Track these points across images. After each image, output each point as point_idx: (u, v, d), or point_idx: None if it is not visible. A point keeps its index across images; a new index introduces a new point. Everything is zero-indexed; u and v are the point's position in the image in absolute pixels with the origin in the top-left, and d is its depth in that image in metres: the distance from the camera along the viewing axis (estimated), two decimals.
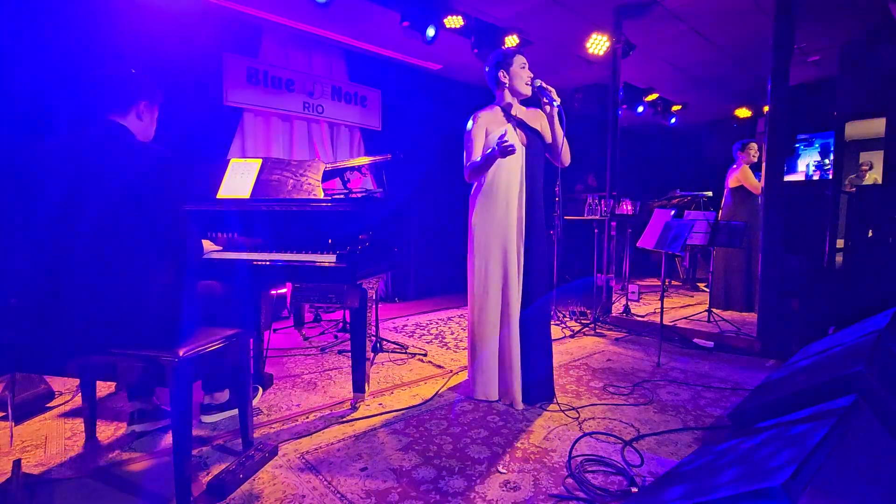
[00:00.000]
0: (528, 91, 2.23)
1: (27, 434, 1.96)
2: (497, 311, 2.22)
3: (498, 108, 2.27)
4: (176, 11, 3.44)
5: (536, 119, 2.30)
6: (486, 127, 2.23)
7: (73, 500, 1.51)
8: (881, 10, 3.59)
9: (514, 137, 2.20)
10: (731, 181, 4.31)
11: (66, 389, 2.40)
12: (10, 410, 1.88)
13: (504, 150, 1.94)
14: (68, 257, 1.44)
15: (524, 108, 2.32)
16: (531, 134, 2.26)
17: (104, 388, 2.39)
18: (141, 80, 1.61)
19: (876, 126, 4.44)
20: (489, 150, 2.06)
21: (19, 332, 1.46)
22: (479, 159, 2.14)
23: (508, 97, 2.26)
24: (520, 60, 2.23)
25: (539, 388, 2.26)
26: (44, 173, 1.46)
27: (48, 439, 1.92)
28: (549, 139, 2.29)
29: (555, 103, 2.14)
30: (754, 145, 4.27)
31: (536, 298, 2.23)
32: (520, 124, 2.25)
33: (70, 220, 1.45)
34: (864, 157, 4.85)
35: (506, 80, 2.23)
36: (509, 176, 2.18)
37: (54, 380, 2.33)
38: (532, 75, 2.24)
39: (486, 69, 2.30)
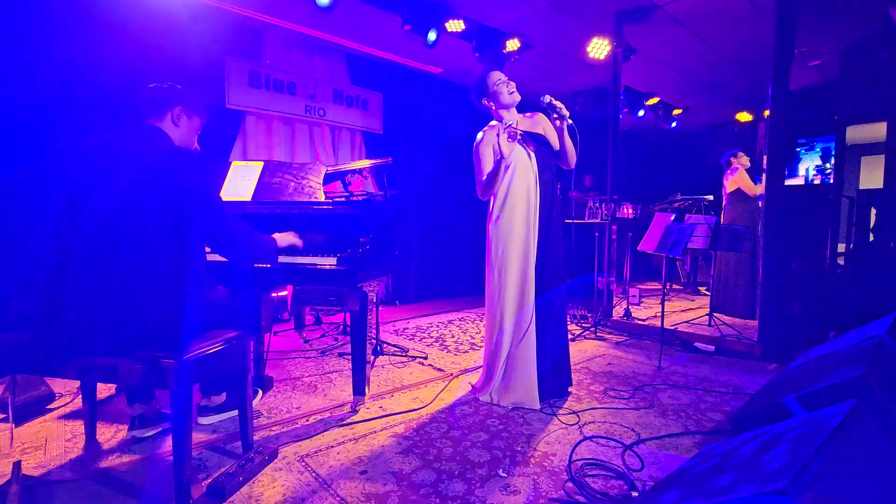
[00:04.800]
0: (513, 100, 2.29)
1: (27, 436, 1.96)
2: (511, 315, 2.23)
3: (501, 125, 2.31)
4: (178, 15, 3.46)
5: (539, 125, 2.36)
6: (493, 143, 2.28)
7: (72, 502, 1.51)
8: (882, 14, 3.60)
9: (522, 151, 2.26)
10: (728, 185, 4.33)
11: (66, 391, 2.40)
12: (10, 412, 1.88)
13: (513, 134, 2.04)
14: (71, 259, 1.44)
15: (522, 115, 2.38)
16: (537, 142, 2.31)
17: (104, 390, 2.39)
18: (175, 89, 1.67)
19: (877, 130, 4.44)
20: (496, 158, 2.14)
21: (20, 334, 1.47)
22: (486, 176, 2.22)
23: (504, 114, 2.32)
24: (494, 78, 2.28)
25: (554, 387, 2.32)
26: (51, 177, 1.47)
27: (48, 441, 1.92)
28: (556, 146, 2.35)
29: (565, 120, 2.20)
30: (742, 154, 4.34)
31: (553, 301, 2.25)
32: (525, 136, 2.29)
33: (74, 222, 1.45)
34: (864, 161, 4.85)
35: (491, 104, 2.32)
36: (523, 184, 2.24)
37: (55, 381, 2.34)
38: (513, 85, 2.29)
39: (474, 101, 2.39)
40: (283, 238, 1.94)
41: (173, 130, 1.64)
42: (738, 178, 4.22)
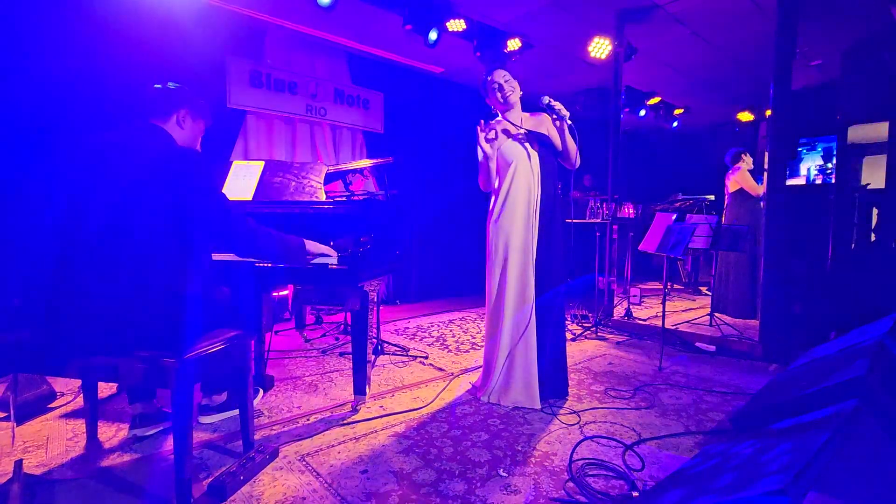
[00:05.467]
0: (509, 103, 2.31)
1: (29, 434, 1.97)
2: (511, 315, 2.24)
3: (505, 121, 2.34)
4: (180, 14, 3.46)
5: (542, 124, 2.35)
6: (492, 141, 2.31)
7: (74, 500, 1.51)
8: (884, 14, 3.59)
9: (523, 151, 2.27)
10: (731, 184, 4.32)
11: (67, 390, 2.41)
12: (12, 411, 1.89)
13: (489, 135, 2.20)
14: (73, 258, 1.45)
15: (528, 114, 2.38)
16: (540, 141, 2.30)
17: (106, 389, 2.39)
18: (182, 91, 1.67)
19: (879, 130, 4.43)
20: (480, 157, 2.26)
21: (22, 333, 1.47)
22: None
23: (508, 114, 2.34)
24: (493, 80, 2.30)
25: (553, 388, 2.32)
26: (52, 176, 1.47)
27: (50, 440, 1.92)
28: (559, 146, 2.35)
29: (564, 120, 2.21)
30: (747, 153, 4.34)
31: (553, 301, 2.25)
32: (528, 135, 2.30)
33: (76, 220, 1.45)
34: (866, 161, 4.84)
35: (495, 106, 2.36)
36: (524, 183, 2.25)
37: (56, 380, 2.34)
38: (511, 86, 2.30)
39: (484, 99, 2.43)
40: (314, 246, 1.90)
41: (177, 132, 1.65)
42: (740, 178, 4.21)
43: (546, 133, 2.33)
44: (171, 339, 1.44)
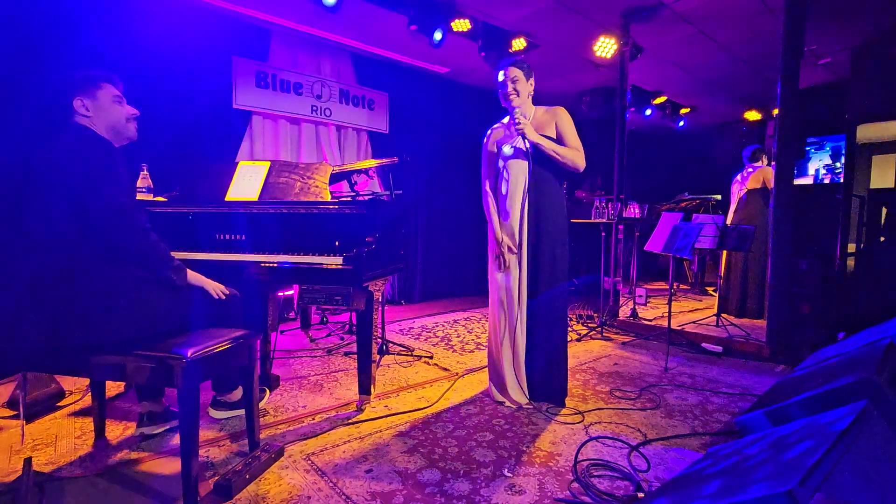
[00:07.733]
0: (510, 100, 2.25)
1: (38, 432, 1.99)
2: (506, 315, 2.25)
3: (508, 120, 2.33)
4: (186, 16, 3.49)
5: (549, 125, 2.28)
6: (496, 141, 2.33)
7: (82, 498, 1.52)
8: (894, 11, 3.56)
9: (517, 151, 2.26)
10: (751, 181, 4.22)
11: (76, 389, 2.43)
12: (21, 409, 1.91)
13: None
14: (78, 259, 1.46)
15: (543, 109, 2.31)
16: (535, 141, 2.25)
17: (113, 387, 2.41)
18: (64, 83, 1.57)
19: (888, 129, 4.39)
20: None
21: (31, 333, 1.48)
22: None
23: (516, 111, 2.28)
24: (498, 77, 2.27)
25: (547, 389, 2.29)
26: (54, 176, 1.49)
27: (58, 438, 1.94)
28: (568, 144, 2.26)
29: (523, 136, 2.16)
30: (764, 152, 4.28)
31: (548, 303, 2.24)
32: (525, 133, 2.25)
33: (78, 222, 1.47)
34: (875, 160, 4.78)
35: (502, 102, 2.31)
36: (515, 184, 2.24)
37: (65, 379, 2.36)
38: (513, 84, 2.25)
39: None
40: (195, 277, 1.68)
41: (89, 120, 1.59)
42: (765, 175, 4.08)
43: (550, 134, 2.28)
44: (176, 337, 1.44)
